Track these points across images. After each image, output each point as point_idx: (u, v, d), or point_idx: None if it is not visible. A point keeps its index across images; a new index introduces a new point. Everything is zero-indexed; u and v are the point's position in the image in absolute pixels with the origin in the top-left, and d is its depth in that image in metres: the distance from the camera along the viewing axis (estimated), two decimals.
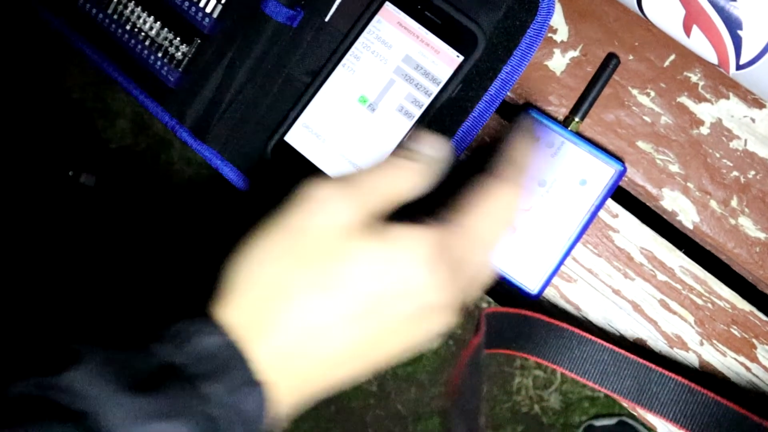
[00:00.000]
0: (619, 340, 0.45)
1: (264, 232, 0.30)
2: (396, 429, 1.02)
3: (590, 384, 0.42)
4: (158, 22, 0.52)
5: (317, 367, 0.29)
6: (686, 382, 0.41)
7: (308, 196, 0.30)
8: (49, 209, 0.99)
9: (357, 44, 0.46)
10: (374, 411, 1.03)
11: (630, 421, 0.92)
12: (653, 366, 0.41)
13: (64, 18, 0.54)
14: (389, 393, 1.03)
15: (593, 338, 0.42)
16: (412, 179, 0.31)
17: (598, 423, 0.93)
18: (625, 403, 0.43)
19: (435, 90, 0.44)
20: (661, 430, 0.44)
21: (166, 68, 0.52)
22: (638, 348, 0.44)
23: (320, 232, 0.29)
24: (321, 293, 0.28)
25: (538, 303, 0.45)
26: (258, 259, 0.29)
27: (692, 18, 0.38)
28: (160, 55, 0.52)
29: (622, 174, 0.42)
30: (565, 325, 0.42)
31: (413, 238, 0.29)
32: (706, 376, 0.44)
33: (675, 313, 0.44)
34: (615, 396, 0.43)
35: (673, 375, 0.41)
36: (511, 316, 0.43)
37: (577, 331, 0.42)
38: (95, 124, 1.10)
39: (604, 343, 0.42)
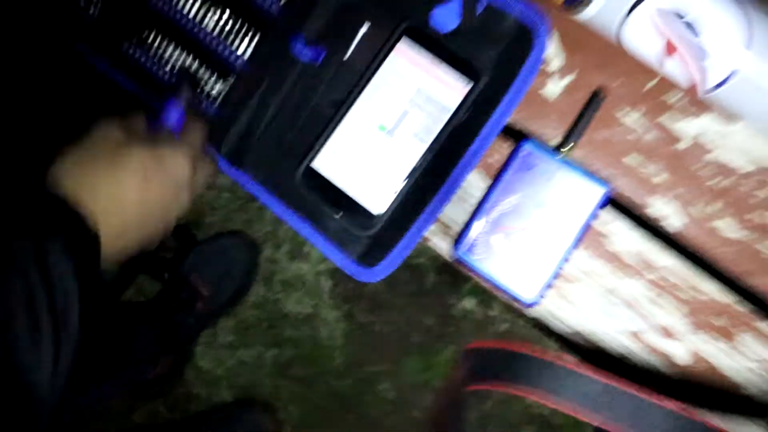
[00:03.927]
0: (614, 335, 0.50)
1: (79, 144, 0.45)
2: None
3: (581, 417, 0.40)
4: (195, 62, 0.58)
5: (124, 224, 0.44)
6: (679, 410, 0.38)
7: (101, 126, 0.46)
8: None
9: (375, 78, 0.52)
10: (392, 417, 1.08)
11: None
12: (645, 396, 0.39)
13: (108, 61, 0.61)
14: (406, 400, 1.08)
15: (581, 371, 0.39)
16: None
17: None
18: None
19: (445, 117, 0.50)
20: None
21: (203, 103, 0.58)
22: (623, 366, 0.50)
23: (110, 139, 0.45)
24: (116, 173, 0.44)
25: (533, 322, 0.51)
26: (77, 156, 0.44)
27: (667, 50, 0.44)
28: (198, 91, 0.58)
29: (608, 194, 0.48)
30: (552, 359, 0.40)
31: (170, 146, 0.47)
32: (691, 370, 0.49)
33: (663, 307, 0.49)
34: (609, 427, 0.40)
35: (665, 404, 0.39)
36: (495, 351, 0.42)
37: (564, 364, 0.40)
38: None
39: (593, 375, 0.40)
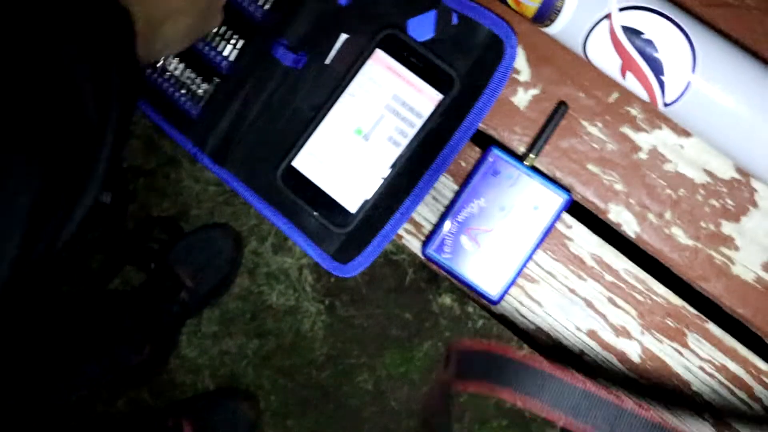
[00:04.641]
0: (574, 332, 0.53)
1: None
2: (391, 424, 1.10)
3: (561, 422, 0.41)
4: (182, 64, 0.60)
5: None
6: (657, 420, 0.39)
7: None
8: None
9: (353, 84, 0.54)
10: (370, 408, 1.11)
11: None
12: (623, 405, 0.40)
13: None
14: (384, 391, 1.11)
15: (562, 376, 0.40)
16: None
17: None
18: None
19: (419, 123, 0.53)
20: None
21: (188, 103, 0.60)
22: (588, 367, 0.53)
23: None
24: None
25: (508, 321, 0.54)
26: None
27: (626, 65, 0.47)
28: (183, 91, 0.60)
29: (568, 202, 0.51)
30: (531, 362, 0.41)
31: None
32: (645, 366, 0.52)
33: (620, 307, 0.52)
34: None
35: (643, 413, 0.40)
36: (480, 353, 0.43)
37: (545, 368, 0.41)
38: None
39: (573, 381, 0.41)
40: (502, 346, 0.41)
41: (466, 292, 0.55)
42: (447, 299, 1.08)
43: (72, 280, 1.19)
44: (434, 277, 1.09)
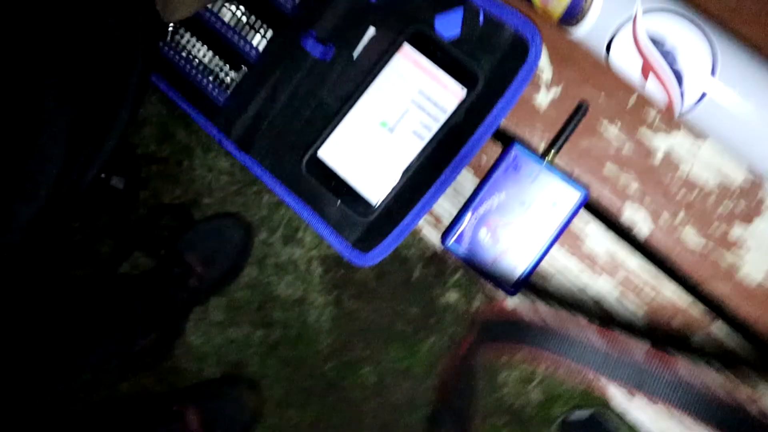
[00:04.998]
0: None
1: None
2: (391, 418, 1.12)
3: (589, 375, 0.43)
4: (210, 51, 0.62)
5: None
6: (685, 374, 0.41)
7: None
8: (82, 208, 1.09)
9: (380, 77, 0.56)
10: (372, 401, 1.13)
11: (603, 414, 1.02)
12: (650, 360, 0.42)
13: None
14: (387, 385, 1.12)
15: (587, 328, 0.42)
16: None
17: (573, 416, 1.03)
18: (625, 389, 0.43)
19: (443, 117, 0.55)
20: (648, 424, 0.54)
21: (216, 90, 0.62)
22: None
23: None
24: None
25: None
26: None
27: (646, 69, 0.49)
28: (211, 78, 0.62)
29: (585, 198, 0.52)
30: (557, 327, 0.42)
31: None
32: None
33: (627, 301, 0.54)
34: (615, 383, 0.43)
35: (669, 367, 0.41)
36: (504, 319, 0.45)
37: (570, 328, 0.42)
38: None
39: (599, 333, 0.43)
40: (524, 314, 0.42)
41: (481, 286, 0.56)
42: (453, 296, 1.10)
43: (81, 264, 1.20)
44: (441, 274, 1.10)
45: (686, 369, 0.41)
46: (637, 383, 0.41)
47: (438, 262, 1.11)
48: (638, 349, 0.41)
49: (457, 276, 1.11)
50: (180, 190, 1.18)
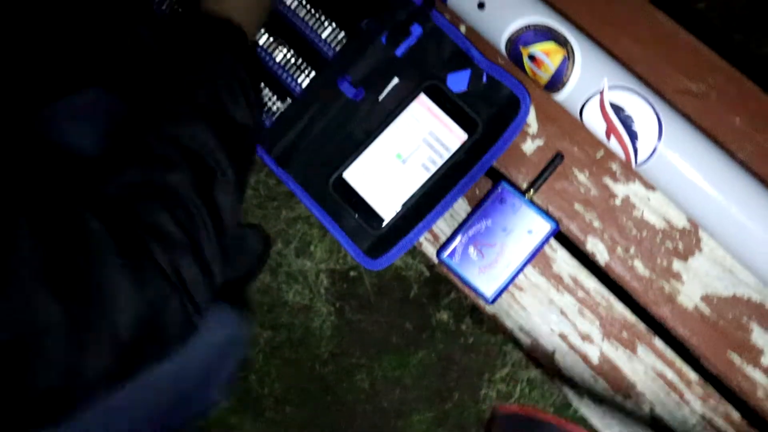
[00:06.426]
0: (549, 333, 0.67)
1: None
2: (380, 422, 1.23)
3: None
4: (261, 83, 0.75)
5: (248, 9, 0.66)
6: None
7: None
8: None
9: (399, 118, 0.69)
10: (364, 405, 1.24)
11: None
12: None
13: None
14: (379, 391, 1.24)
15: None
16: None
17: None
18: None
19: (446, 155, 0.68)
20: None
21: (264, 115, 0.75)
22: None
23: None
24: None
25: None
26: None
27: (610, 130, 0.62)
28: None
29: (556, 229, 0.65)
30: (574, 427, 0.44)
31: None
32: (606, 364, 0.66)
33: (587, 318, 0.66)
34: None
35: None
36: (521, 416, 0.46)
37: None
38: None
39: None
40: (543, 411, 0.45)
41: (467, 293, 0.69)
42: (445, 315, 1.22)
43: None
44: (435, 294, 1.22)
45: None
46: None
47: (433, 283, 1.23)
48: None
49: (449, 298, 1.22)
50: None
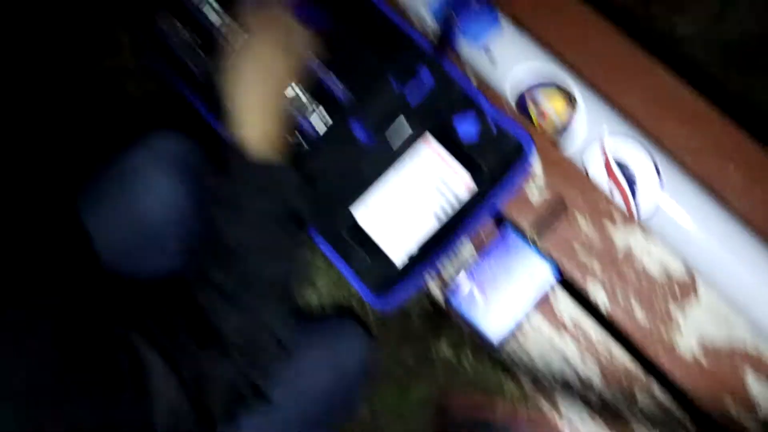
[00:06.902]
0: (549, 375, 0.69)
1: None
2: None
3: None
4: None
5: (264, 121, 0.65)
6: None
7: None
8: None
9: (410, 164, 0.72)
10: None
11: None
12: None
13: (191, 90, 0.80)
14: (378, 424, 1.25)
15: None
16: None
17: None
18: None
19: (457, 205, 0.70)
20: None
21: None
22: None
23: None
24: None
25: None
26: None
27: (614, 185, 0.65)
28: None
29: (558, 274, 0.67)
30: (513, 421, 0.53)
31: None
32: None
33: (587, 361, 0.68)
34: None
35: None
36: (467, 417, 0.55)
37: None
38: None
39: None
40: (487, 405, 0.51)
41: (471, 342, 0.71)
42: (445, 350, 1.24)
43: None
44: (437, 328, 1.24)
45: None
46: None
47: (435, 318, 1.25)
48: None
49: (451, 333, 1.24)
50: None
